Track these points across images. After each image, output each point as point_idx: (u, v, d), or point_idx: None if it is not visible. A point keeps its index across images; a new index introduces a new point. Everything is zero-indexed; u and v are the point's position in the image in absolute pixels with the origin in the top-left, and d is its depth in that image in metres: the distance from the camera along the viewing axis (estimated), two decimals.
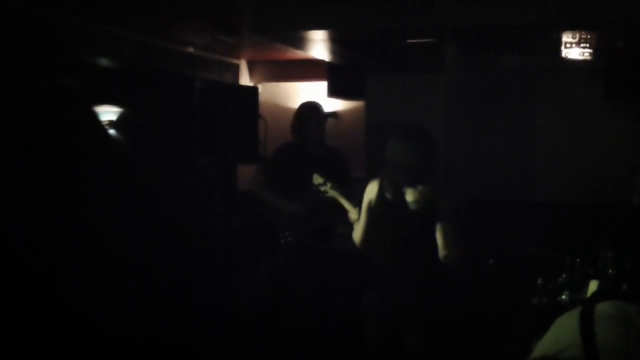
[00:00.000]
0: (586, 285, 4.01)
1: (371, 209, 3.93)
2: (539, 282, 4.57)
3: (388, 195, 3.83)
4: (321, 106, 5.56)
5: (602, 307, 1.57)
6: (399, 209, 3.76)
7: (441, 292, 3.85)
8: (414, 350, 3.82)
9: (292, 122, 5.46)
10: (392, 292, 3.87)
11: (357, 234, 4.01)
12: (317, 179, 4.65)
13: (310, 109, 5.48)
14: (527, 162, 7.61)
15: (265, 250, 6.11)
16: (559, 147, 7.50)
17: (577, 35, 5.71)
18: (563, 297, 4.13)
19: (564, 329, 1.57)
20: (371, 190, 3.94)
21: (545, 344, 1.60)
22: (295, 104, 7.98)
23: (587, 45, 5.94)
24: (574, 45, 5.94)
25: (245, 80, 8.24)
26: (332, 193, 4.55)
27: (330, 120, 5.71)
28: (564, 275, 4.36)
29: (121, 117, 5.92)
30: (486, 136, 7.57)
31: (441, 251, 3.72)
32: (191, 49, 7.07)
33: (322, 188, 4.61)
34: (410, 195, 3.68)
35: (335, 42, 6.07)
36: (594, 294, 1.88)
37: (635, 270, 3.94)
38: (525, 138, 7.58)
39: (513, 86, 7.58)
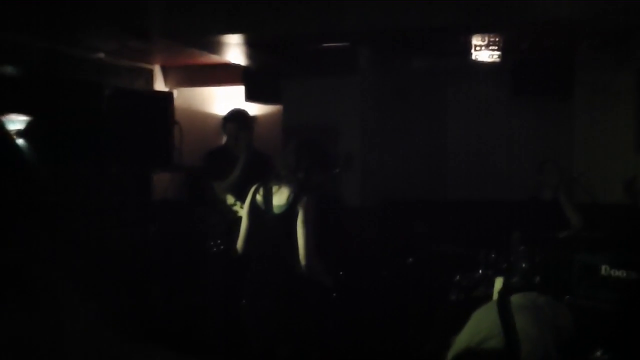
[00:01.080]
0: (500, 279, 4.14)
1: (246, 213, 3.99)
2: (456, 278, 4.67)
3: (259, 198, 3.91)
4: (247, 112, 5.67)
5: (516, 299, 1.65)
6: (265, 213, 3.85)
7: (300, 302, 3.82)
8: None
9: (222, 125, 5.52)
10: (255, 298, 3.88)
11: (238, 241, 4.04)
12: (230, 199, 4.83)
13: (239, 114, 5.56)
14: (439, 162, 7.79)
15: (188, 259, 6.04)
16: (470, 146, 7.71)
17: (486, 38, 5.89)
18: (479, 293, 4.25)
19: (483, 321, 1.63)
20: (248, 195, 4.00)
21: (465, 336, 1.65)
22: (212, 109, 7.93)
23: (496, 47, 6.14)
24: (483, 47, 6.13)
25: (159, 85, 8.10)
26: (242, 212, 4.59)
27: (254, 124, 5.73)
28: (480, 271, 4.47)
29: (29, 126, 5.73)
30: (400, 137, 7.72)
31: (302, 259, 3.75)
32: (101, 55, 6.90)
33: (234, 208, 4.77)
34: (276, 199, 3.82)
35: (249, 46, 6.05)
36: (508, 286, 1.96)
37: (544, 263, 4.10)
38: (437, 138, 7.76)
39: (425, 88, 7.75)
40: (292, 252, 3.75)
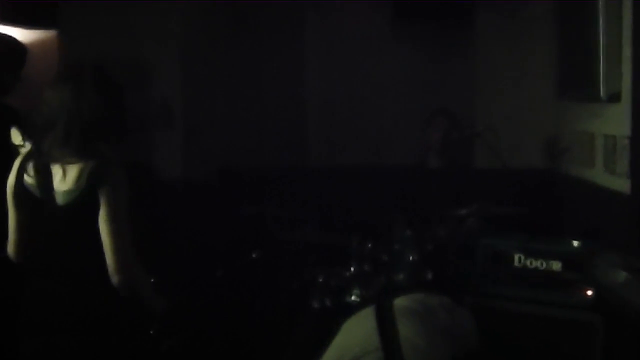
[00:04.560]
0: (380, 277, 4.21)
1: (11, 202, 3.71)
2: (320, 278, 4.72)
3: (28, 180, 3.64)
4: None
5: (401, 302, 1.68)
6: (42, 202, 3.59)
7: (109, 339, 3.63)
8: None
9: None
10: (37, 336, 3.67)
11: (8, 243, 3.79)
12: (16, 137, 4.49)
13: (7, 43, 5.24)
14: (296, 115, 7.81)
15: None
16: (335, 95, 7.76)
17: None
18: (352, 297, 4.30)
19: (354, 334, 1.66)
20: (11, 174, 3.71)
21: (331, 355, 1.68)
22: None
23: None
24: None
25: None
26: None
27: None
28: (352, 268, 4.52)
29: None
30: (238, 83, 7.65)
31: (112, 272, 3.53)
32: None
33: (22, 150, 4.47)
34: (58, 181, 3.56)
35: None
36: (390, 286, 2.03)
37: (437, 253, 4.21)
38: (291, 83, 7.76)
39: (273, 15, 7.68)
40: (93, 263, 3.58)
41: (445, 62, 7.56)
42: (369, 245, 4.65)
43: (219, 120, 7.56)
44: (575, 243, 3.94)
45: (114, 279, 3.52)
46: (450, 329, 1.92)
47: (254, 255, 5.72)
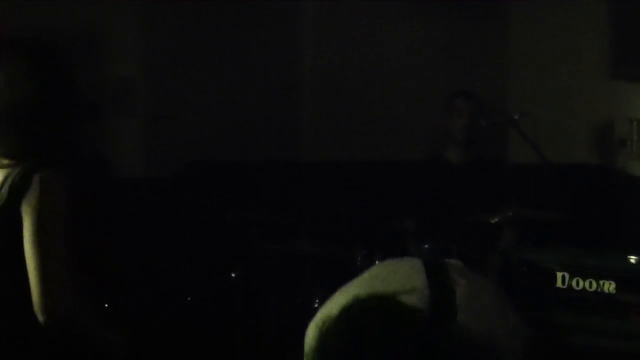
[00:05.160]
0: None
1: None
2: (317, 302, 4.70)
3: None
4: None
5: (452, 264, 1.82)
6: None
7: None
8: None
9: None
10: None
11: None
12: None
13: None
14: (288, 101, 7.78)
15: None
16: (336, 78, 7.72)
17: None
18: None
19: (395, 271, 1.78)
20: None
21: (355, 287, 1.79)
22: None
23: None
24: None
25: None
26: None
27: None
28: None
29: None
30: (218, 59, 7.61)
31: (37, 307, 3.36)
32: None
33: None
34: None
35: None
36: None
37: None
38: (283, 64, 7.73)
39: None
40: (15, 295, 3.51)
41: (472, 33, 7.53)
42: (376, 259, 4.63)
43: (189, 104, 7.53)
44: (633, 258, 3.89)
45: (40, 318, 3.37)
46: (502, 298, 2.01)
47: (233, 274, 5.69)
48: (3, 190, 3.39)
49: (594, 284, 3.81)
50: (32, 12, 6.63)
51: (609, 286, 3.78)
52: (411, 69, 7.49)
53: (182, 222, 6.78)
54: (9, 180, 3.40)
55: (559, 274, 3.87)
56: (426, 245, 4.39)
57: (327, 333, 1.81)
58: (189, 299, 5.85)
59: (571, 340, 3.80)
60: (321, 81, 7.74)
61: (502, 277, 4.09)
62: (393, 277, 1.83)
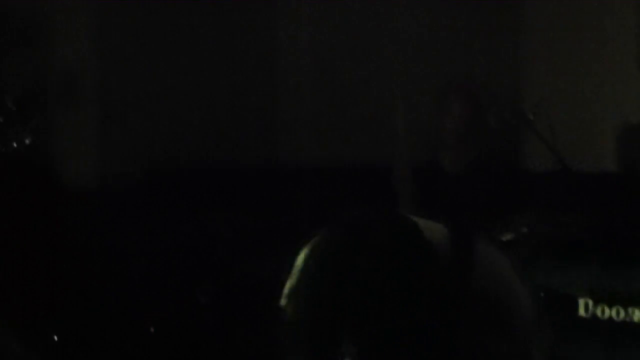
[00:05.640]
0: None
1: None
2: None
3: None
4: None
5: None
6: None
7: None
8: None
9: None
10: None
11: None
12: None
13: None
14: (256, 99, 7.81)
15: None
16: (316, 69, 7.75)
17: None
18: None
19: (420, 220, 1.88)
20: None
21: None
22: None
23: None
24: None
25: None
26: None
27: None
28: None
29: None
30: (179, 52, 7.64)
31: None
32: None
33: None
34: None
35: None
36: None
37: None
38: (252, 54, 7.77)
39: None
40: None
41: (480, 16, 7.57)
42: None
43: (148, 100, 7.54)
44: None
45: None
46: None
47: (200, 299, 5.72)
48: None
49: (622, 312, 3.83)
50: None
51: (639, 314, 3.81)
52: (403, 54, 7.53)
53: (136, 236, 6.78)
54: None
55: (582, 301, 3.89)
56: None
57: (320, 245, 1.87)
58: (151, 329, 5.86)
59: None
60: (300, 71, 7.79)
61: None
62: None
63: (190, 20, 7.46)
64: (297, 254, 1.78)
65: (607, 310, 3.84)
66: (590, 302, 3.84)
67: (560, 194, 6.08)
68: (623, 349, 3.79)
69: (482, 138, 6.24)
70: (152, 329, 5.76)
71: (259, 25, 7.70)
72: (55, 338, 3.83)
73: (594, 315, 3.85)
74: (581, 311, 3.87)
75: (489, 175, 6.18)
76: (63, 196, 6.79)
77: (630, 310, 3.80)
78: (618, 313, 3.83)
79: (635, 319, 3.79)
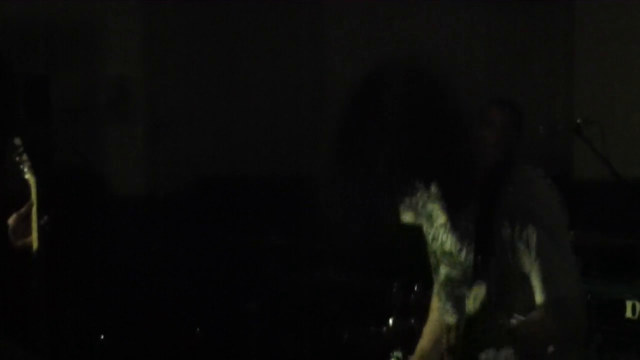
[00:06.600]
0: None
1: None
2: (345, 336, 4.73)
3: None
4: None
5: None
6: None
7: None
8: None
9: None
10: None
11: None
12: None
13: None
14: (304, 111, 7.83)
15: None
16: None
17: None
18: None
19: None
20: None
21: None
22: None
23: None
24: None
25: None
26: None
27: None
28: (390, 322, 4.55)
29: None
30: (226, 67, 7.67)
31: None
32: None
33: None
34: None
35: None
36: None
37: None
38: (298, 68, 7.79)
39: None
40: None
41: (533, 27, 7.58)
42: (415, 290, 4.66)
43: (196, 111, 7.58)
44: None
45: None
46: None
47: (248, 307, 5.73)
48: None
49: None
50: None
51: None
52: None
53: (184, 244, 6.79)
54: None
55: (629, 303, 3.87)
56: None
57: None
58: (197, 330, 5.88)
59: None
60: (347, 83, 7.80)
61: None
62: None
63: (239, 33, 7.51)
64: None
65: None
66: (638, 305, 3.82)
67: (609, 203, 6.06)
68: None
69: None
70: (197, 330, 5.79)
71: (307, 31, 7.74)
72: (102, 337, 3.89)
73: None
74: (628, 314, 3.85)
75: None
76: (114, 204, 6.87)
77: None
78: None
79: None
